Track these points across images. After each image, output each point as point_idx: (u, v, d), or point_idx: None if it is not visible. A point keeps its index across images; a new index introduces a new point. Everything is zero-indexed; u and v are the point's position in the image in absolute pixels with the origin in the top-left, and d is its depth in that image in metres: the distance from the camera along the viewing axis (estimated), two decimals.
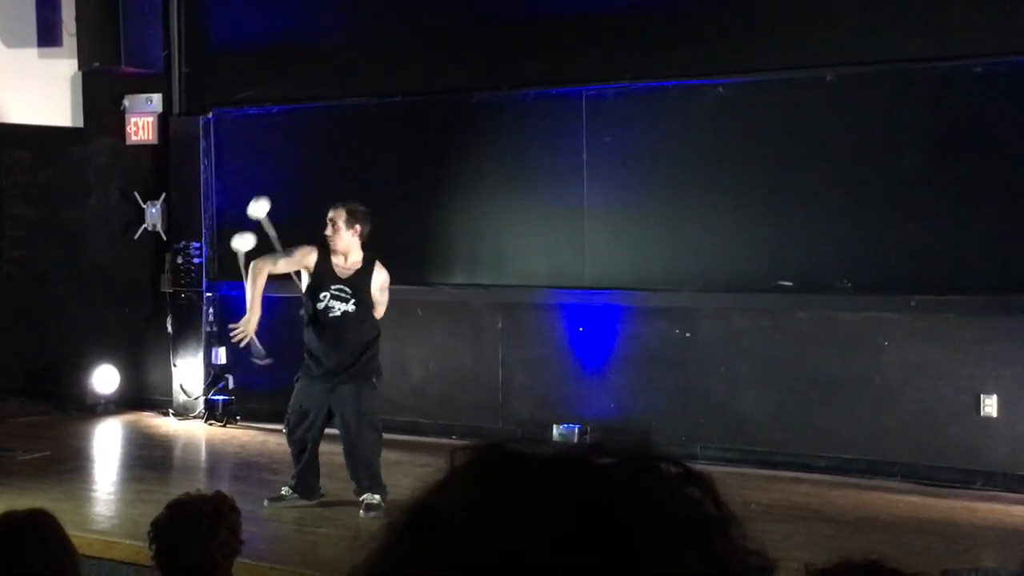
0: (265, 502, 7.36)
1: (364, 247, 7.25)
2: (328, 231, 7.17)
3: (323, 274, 7.18)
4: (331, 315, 7.16)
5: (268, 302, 10.68)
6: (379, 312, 7.33)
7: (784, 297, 8.44)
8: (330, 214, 7.21)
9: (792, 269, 8.39)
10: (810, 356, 8.47)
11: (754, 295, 8.53)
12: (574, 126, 9.04)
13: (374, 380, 7.33)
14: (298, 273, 7.39)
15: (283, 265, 7.28)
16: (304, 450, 7.41)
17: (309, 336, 7.30)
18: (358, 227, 7.17)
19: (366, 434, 7.26)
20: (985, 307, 7.87)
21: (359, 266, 7.21)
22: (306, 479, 7.44)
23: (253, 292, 7.19)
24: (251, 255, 7.62)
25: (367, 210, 7.29)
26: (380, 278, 7.26)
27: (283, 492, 7.48)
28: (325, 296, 7.16)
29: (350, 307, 7.17)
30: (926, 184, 7.97)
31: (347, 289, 7.17)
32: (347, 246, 7.16)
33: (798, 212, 8.37)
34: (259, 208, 7.77)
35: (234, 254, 10.66)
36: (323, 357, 7.24)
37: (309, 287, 7.24)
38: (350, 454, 7.32)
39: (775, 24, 8.44)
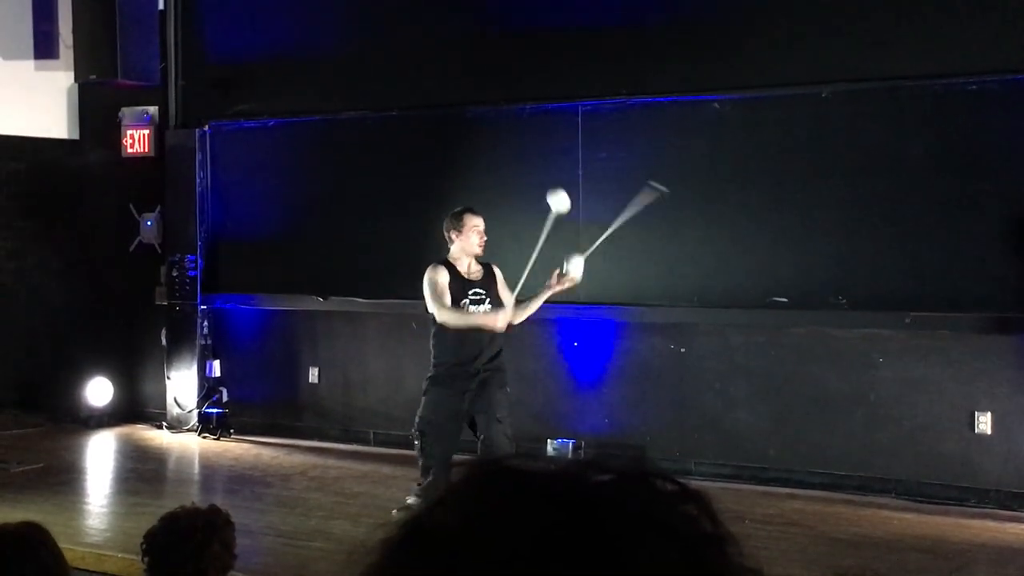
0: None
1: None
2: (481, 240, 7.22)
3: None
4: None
5: (260, 314, 10.70)
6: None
7: (779, 313, 8.45)
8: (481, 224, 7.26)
9: (787, 285, 8.39)
10: (805, 372, 8.47)
11: (749, 311, 8.53)
12: (570, 141, 9.05)
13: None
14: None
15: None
16: (442, 463, 7.13)
17: None
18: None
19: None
20: (980, 324, 7.88)
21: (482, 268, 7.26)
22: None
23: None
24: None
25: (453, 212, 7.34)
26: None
27: (409, 501, 7.09)
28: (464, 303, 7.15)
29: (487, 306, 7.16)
30: (921, 201, 7.99)
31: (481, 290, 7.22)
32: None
33: (793, 228, 8.38)
34: (561, 201, 7.39)
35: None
36: None
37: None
38: None
39: (771, 41, 8.46)
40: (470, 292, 7.11)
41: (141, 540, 3.72)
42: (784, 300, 8.40)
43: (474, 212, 7.27)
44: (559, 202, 7.36)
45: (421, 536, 0.80)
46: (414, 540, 0.81)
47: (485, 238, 7.21)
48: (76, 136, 11.35)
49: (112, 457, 10.19)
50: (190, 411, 10.63)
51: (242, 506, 7.40)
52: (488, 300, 7.13)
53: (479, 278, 7.18)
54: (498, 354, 7.12)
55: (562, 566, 0.75)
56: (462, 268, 7.15)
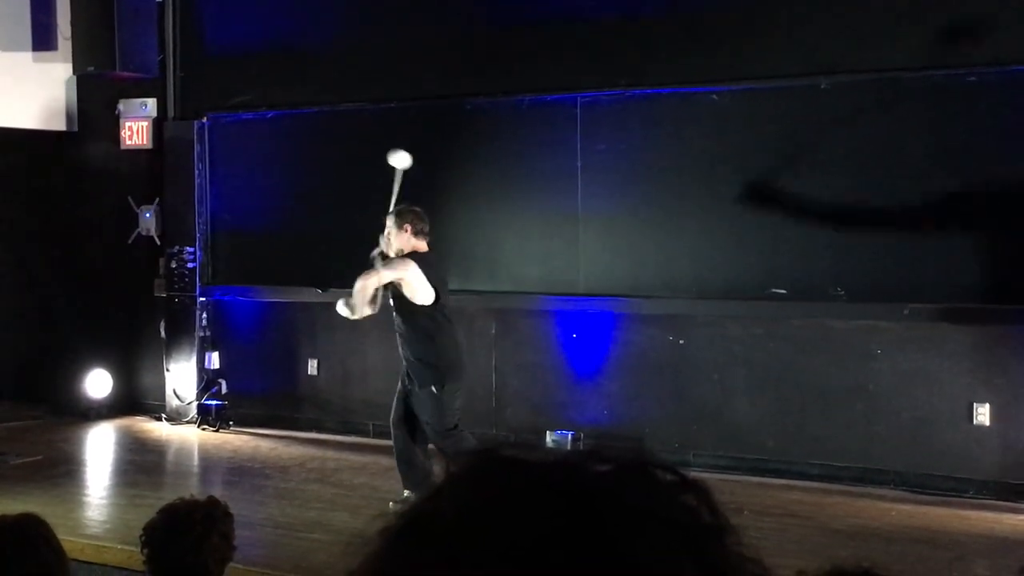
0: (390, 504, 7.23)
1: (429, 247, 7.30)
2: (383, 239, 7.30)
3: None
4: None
5: (258, 306, 10.70)
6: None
7: (777, 305, 8.45)
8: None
9: (785, 277, 8.40)
10: (803, 364, 8.48)
11: (748, 302, 8.54)
12: (568, 133, 9.05)
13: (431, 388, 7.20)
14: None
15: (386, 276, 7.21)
16: (403, 452, 7.37)
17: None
18: (408, 226, 7.23)
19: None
20: (978, 316, 7.88)
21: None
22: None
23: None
24: (406, 172, 7.47)
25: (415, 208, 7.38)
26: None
27: (406, 494, 7.25)
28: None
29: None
30: (920, 192, 7.99)
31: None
32: (402, 246, 7.22)
33: (792, 220, 8.38)
34: (401, 159, 7.53)
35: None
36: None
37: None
38: None
39: (770, 32, 8.46)
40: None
41: (140, 532, 3.72)
42: (783, 292, 8.40)
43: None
44: (400, 160, 7.49)
45: (420, 526, 0.80)
46: (413, 530, 0.81)
47: (385, 237, 7.32)
48: (74, 128, 11.33)
49: (111, 449, 10.19)
50: (189, 403, 10.64)
51: (241, 498, 7.41)
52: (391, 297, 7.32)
53: None
54: (415, 349, 7.19)
55: (561, 556, 0.75)
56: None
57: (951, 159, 7.91)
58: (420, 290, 7.13)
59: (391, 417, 7.38)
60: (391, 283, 7.24)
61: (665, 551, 0.77)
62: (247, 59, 10.50)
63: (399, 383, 7.38)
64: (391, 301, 7.32)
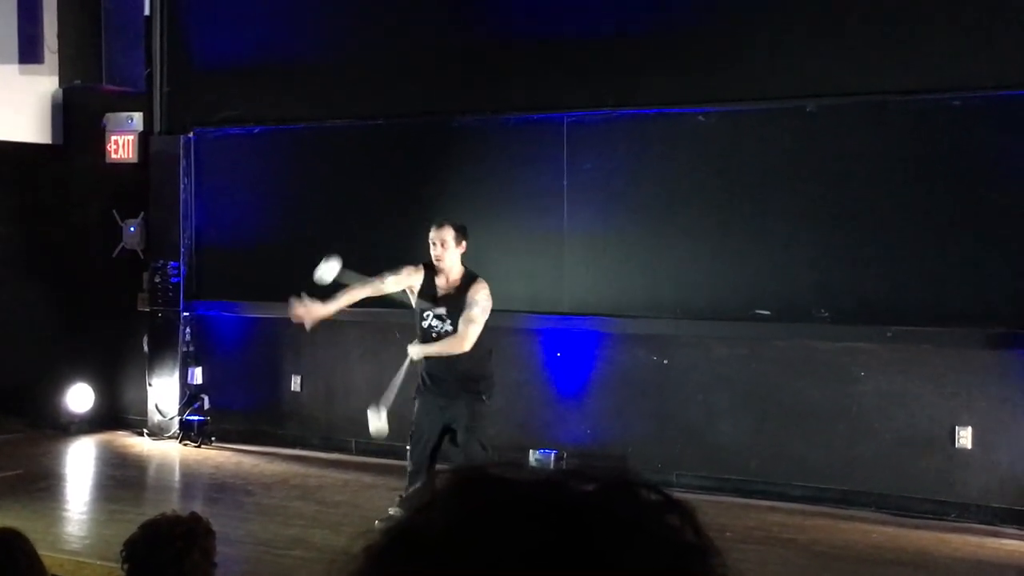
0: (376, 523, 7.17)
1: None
2: (436, 251, 7.09)
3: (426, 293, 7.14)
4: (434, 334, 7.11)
5: (242, 322, 10.67)
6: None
7: (761, 326, 8.47)
8: (433, 235, 7.12)
9: (770, 298, 8.41)
10: (787, 385, 8.49)
11: (732, 323, 8.55)
12: (555, 151, 9.06)
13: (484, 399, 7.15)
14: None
15: (389, 285, 7.14)
16: (419, 470, 7.15)
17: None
18: (465, 243, 7.17)
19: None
20: (961, 339, 7.91)
21: (458, 284, 7.14)
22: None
23: (339, 301, 7.05)
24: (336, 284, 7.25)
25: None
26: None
27: (391, 512, 7.22)
28: (428, 315, 7.12)
29: (449, 326, 7.08)
30: (904, 215, 8.03)
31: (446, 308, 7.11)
32: (453, 263, 7.14)
33: (777, 241, 8.40)
34: (329, 270, 7.26)
35: (219, 273, 10.66)
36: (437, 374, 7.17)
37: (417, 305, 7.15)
38: None
39: (757, 54, 8.50)
40: (436, 309, 7.13)
41: (121, 548, 3.69)
42: (767, 313, 8.42)
43: (433, 225, 7.23)
44: (327, 270, 7.23)
45: (407, 541, 0.80)
46: (399, 545, 0.80)
47: (437, 250, 7.10)
48: (60, 141, 11.31)
49: (92, 464, 10.14)
50: (171, 418, 10.59)
51: (223, 514, 7.37)
52: (450, 322, 7.08)
53: (452, 293, 7.12)
54: (466, 363, 7.06)
55: (550, 569, 0.75)
56: (440, 281, 7.15)
57: (936, 182, 7.95)
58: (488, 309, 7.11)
59: (424, 431, 7.16)
60: (451, 299, 7.07)
61: (651, 569, 0.77)
62: (234, 74, 10.49)
63: (421, 401, 7.22)
64: (439, 321, 7.11)
